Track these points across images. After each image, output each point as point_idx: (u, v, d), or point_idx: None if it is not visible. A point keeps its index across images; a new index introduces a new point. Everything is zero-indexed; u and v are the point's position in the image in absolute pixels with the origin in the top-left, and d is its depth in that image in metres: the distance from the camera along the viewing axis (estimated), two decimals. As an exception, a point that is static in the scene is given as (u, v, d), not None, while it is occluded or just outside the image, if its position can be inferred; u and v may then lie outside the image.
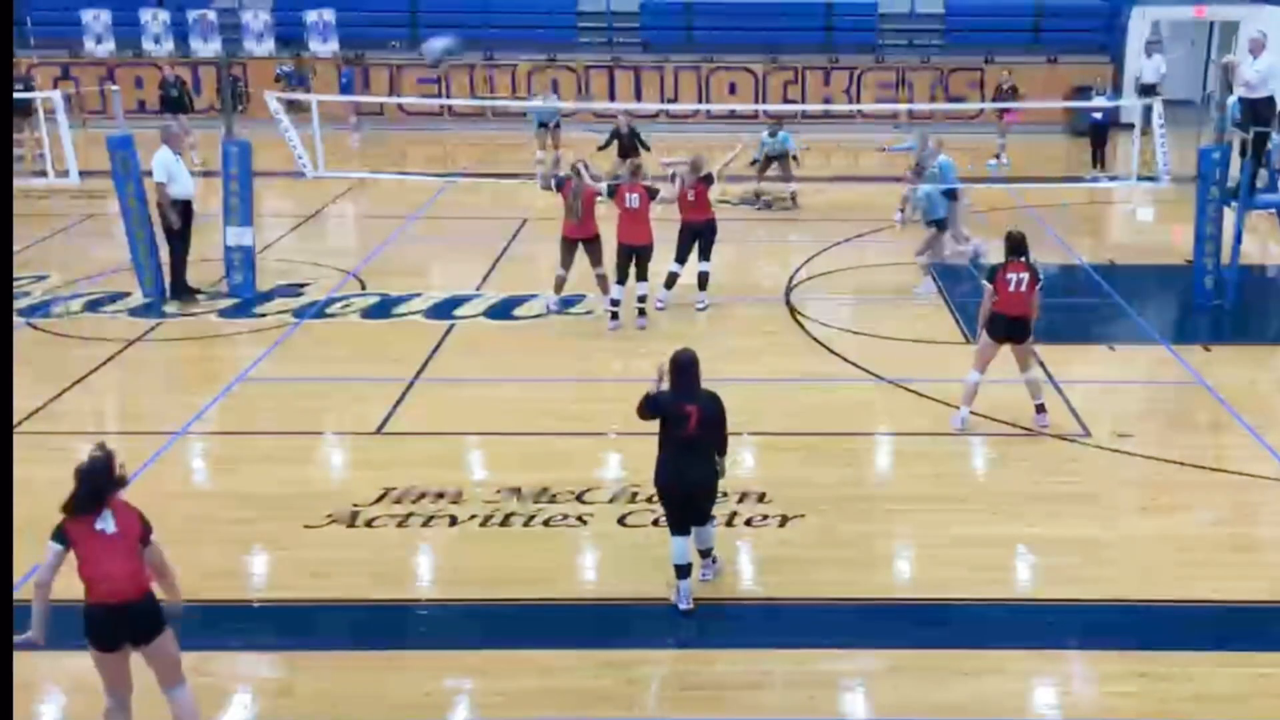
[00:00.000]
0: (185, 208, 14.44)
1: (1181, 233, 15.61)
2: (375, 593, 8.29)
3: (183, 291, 14.59)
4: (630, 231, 13.50)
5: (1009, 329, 10.75)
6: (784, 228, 18.80)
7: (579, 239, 13.70)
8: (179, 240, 14.49)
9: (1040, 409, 10.95)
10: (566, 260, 13.83)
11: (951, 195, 16.13)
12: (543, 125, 22.76)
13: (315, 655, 7.60)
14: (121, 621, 6.34)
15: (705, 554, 8.42)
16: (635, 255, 13.52)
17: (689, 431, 7.87)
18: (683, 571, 8.09)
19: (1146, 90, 22.73)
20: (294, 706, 7.15)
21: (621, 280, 13.62)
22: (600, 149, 19.66)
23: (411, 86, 28.76)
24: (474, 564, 8.68)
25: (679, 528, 8.07)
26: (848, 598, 8.26)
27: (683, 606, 8.08)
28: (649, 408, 7.95)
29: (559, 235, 13.88)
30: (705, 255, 14.26)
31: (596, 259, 13.76)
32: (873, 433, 11.12)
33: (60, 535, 6.37)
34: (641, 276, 13.61)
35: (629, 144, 19.62)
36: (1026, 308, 10.69)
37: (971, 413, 10.94)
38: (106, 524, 6.34)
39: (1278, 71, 14.71)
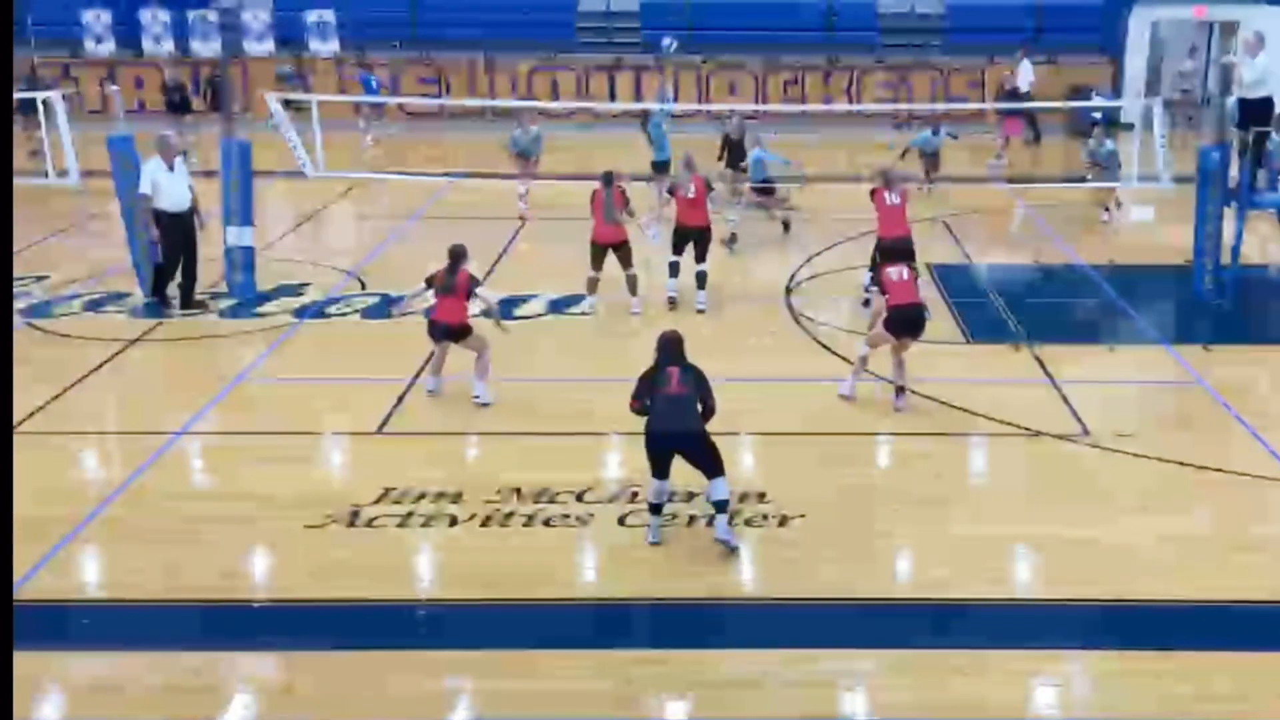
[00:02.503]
0: (175, 220, 14.04)
1: (1181, 233, 15.62)
2: (375, 593, 8.29)
3: (179, 308, 14.25)
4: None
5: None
6: (784, 228, 18.78)
7: (609, 244, 14.06)
8: (168, 252, 14.14)
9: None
10: (597, 264, 14.15)
11: (766, 190, 17.53)
12: (522, 156, 19.51)
13: (315, 655, 7.60)
14: None
15: (720, 508, 8.79)
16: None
17: (671, 388, 8.82)
18: (654, 509, 8.95)
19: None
20: (294, 706, 7.14)
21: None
22: (719, 159, 18.71)
23: (412, 86, 28.78)
24: (474, 564, 8.67)
25: (657, 472, 8.84)
26: (848, 598, 8.26)
27: (650, 540, 8.88)
28: (637, 386, 9.02)
29: (589, 239, 14.16)
30: (701, 258, 14.33)
31: (627, 261, 14.13)
32: (873, 433, 11.12)
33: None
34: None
35: (738, 150, 18.60)
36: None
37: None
38: None
39: (1275, 71, 14.71)
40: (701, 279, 14.33)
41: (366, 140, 25.22)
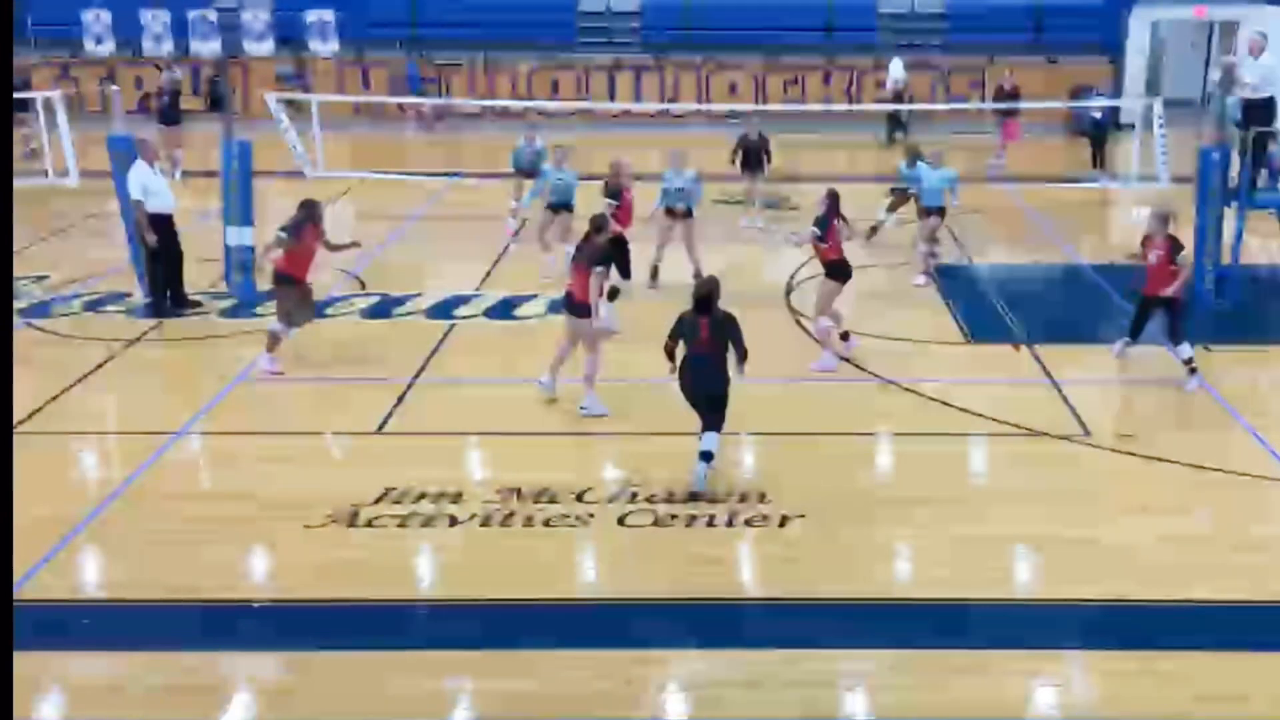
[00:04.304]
0: (167, 222, 14.03)
1: (1181, 233, 15.59)
2: (375, 593, 8.29)
3: (170, 307, 14.19)
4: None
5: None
6: (783, 228, 18.78)
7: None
8: (162, 256, 14.08)
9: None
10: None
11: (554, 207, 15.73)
12: (524, 174, 18.01)
13: (315, 655, 7.59)
14: None
15: (705, 457, 9.56)
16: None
17: (701, 341, 9.56)
18: (706, 456, 9.58)
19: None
20: (294, 706, 7.14)
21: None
22: (732, 162, 18.70)
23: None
24: (474, 564, 8.68)
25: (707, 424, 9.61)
26: (848, 598, 8.26)
27: (697, 488, 9.52)
28: (674, 328, 9.65)
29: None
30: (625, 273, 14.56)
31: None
32: (873, 433, 11.12)
33: None
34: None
35: (756, 154, 18.46)
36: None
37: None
38: None
39: (1277, 72, 14.72)
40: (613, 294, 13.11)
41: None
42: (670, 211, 15.39)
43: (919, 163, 16.43)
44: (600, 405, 11.14)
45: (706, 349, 9.56)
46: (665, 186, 15.40)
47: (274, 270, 12.36)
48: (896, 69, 26.90)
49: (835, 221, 12.45)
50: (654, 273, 15.30)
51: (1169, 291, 11.81)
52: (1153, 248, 12.00)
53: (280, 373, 12.10)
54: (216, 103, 16.07)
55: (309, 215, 12.31)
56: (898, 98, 26.49)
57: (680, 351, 9.75)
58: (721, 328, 9.54)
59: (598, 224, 11.47)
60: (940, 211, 15.80)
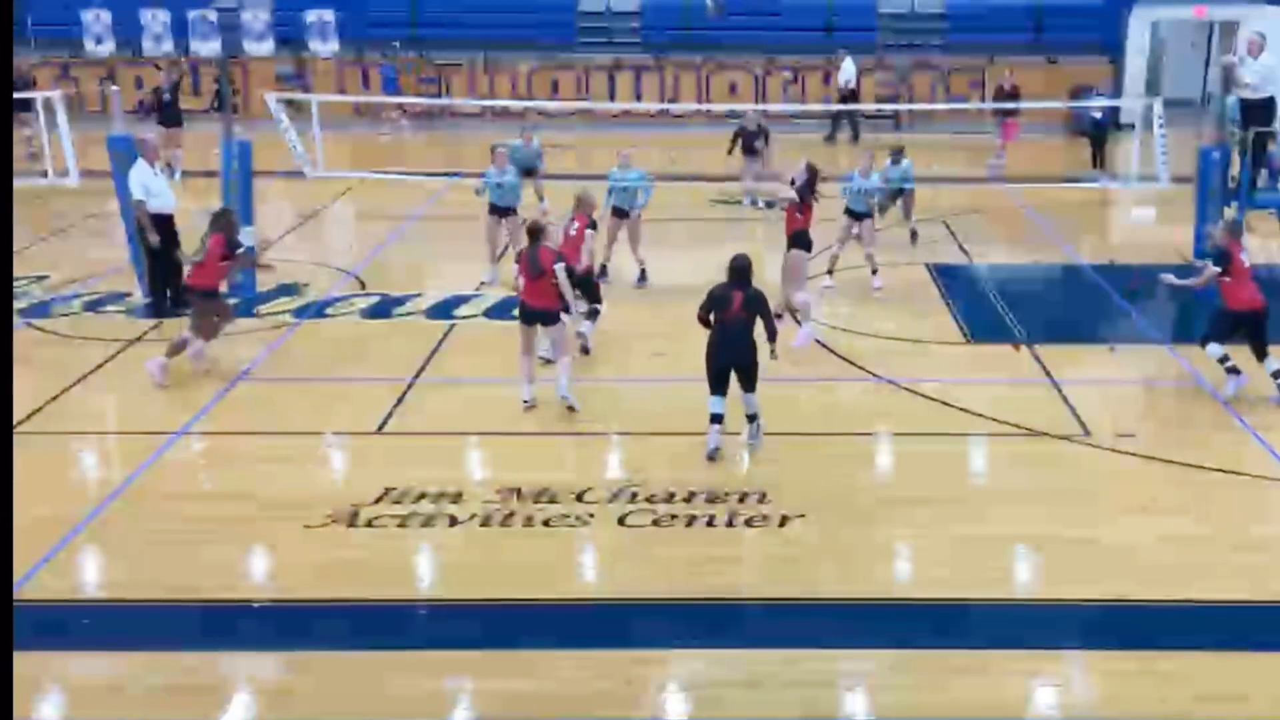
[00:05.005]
0: (167, 222, 14.00)
1: (1181, 233, 15.62)
2: (375, 593, 8.29)
3: (170, 306, 14.06)
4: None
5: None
6: (783, 228, 18.78)
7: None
8: (162, 256, 14.02)
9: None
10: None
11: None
12: (523, 173, 17.37)
13: (315, 655, 7.60)
14: None
15: (751, 419, 10.31)
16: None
17: (733, 312, 10.08)
18: (715, 419, 10.15)
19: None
20: (294, 706, 7.14)
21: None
22: (730, 151, 19.85)
23: (412, 86, 28.79)
24: (474, 564, 8.68)
25: (716, 389, 10.19)
26: (848, 598, 8.26)
27: (711, 446, 10.09)
28: (706, 299, 10.19)
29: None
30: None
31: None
32: (873, 433, 11.12)
33: None
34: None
35: (751, 142, 19.55)
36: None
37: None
38: None
39: (1277, 72, 14.72)
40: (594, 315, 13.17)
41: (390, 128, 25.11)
42: (617, 211, 15.39)
43: (902, 160, 17.09)
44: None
45: (737, 321, 10.09)
46: (611, 185, 15.46)
47: (187, 284, 12.47)
48: (849, 68, 26.91)
49: (814, 193, 12.91)
50: (603, 270, 15.08)
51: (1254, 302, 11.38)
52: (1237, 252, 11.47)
53: (165, 385, 11.79)
54: (225, 101, 16.02)
55: (217, 227, 12.21)
56: (849, 97, 26.59)
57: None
58: (754, 302, 10.12)
59: (535, 229, 11.42)
60: (869, 215, 15.47)
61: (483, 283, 15.27)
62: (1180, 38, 30.04)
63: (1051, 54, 28.36)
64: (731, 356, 10.15)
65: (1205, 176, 14.43)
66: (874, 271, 15.15)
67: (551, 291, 11.15)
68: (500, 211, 15.62)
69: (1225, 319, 11.58)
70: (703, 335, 10.35)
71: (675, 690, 7.26)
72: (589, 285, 12.78)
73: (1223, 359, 11.56)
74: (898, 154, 17.30)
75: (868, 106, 26.94)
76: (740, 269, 10.19)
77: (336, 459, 10.73)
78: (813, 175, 13.12)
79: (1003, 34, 28.77)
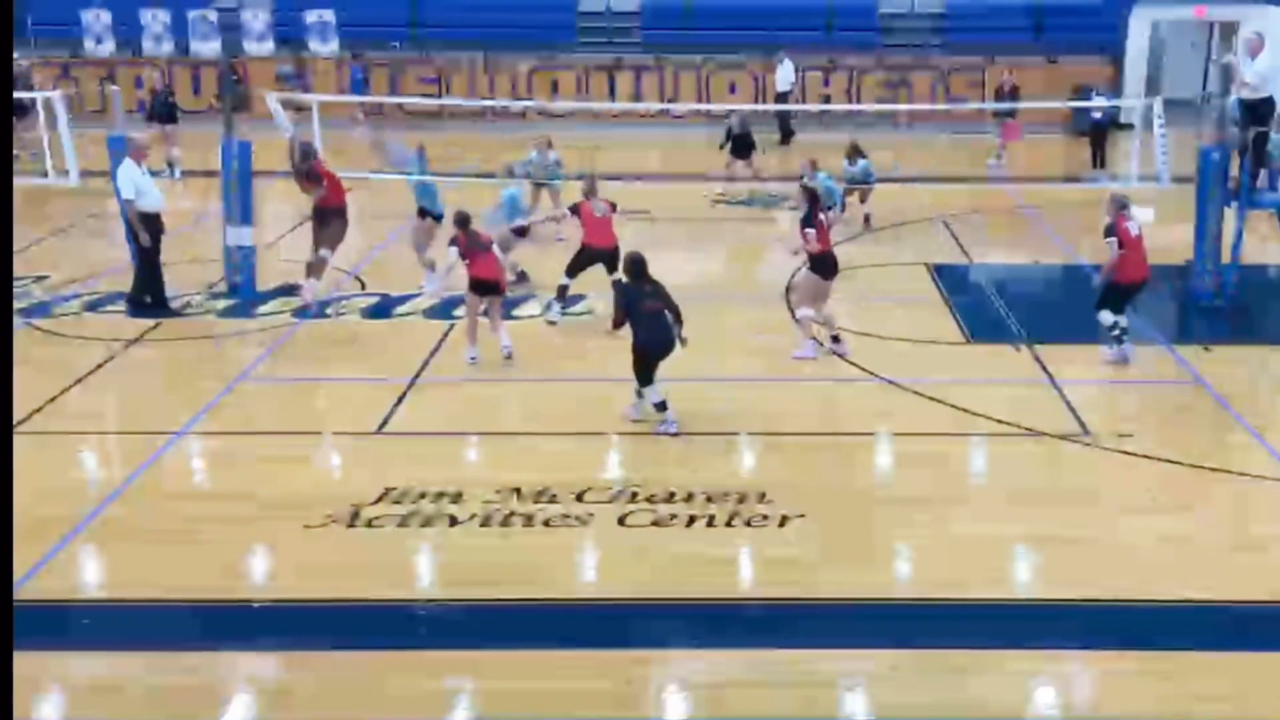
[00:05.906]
0: (154, 221, 13.97)
1: (1181, 232, 15.60)
2: (375, 593, 8.29)
3: (147, 306, 14.06)
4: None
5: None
6: (782, 227, 18.79)
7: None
8: (150, 255, 14.01)
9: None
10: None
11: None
12: (538, 187, 17.78)
13: (315, 655, 7.60)
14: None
15: (661, 407, 10.65)
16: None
17: (650, 305, 10.57)
18: (663, 406, 10.64)
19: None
20: (294, 706, 7.14)
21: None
22: (721, 147, 20.93)
23: (411, 86, 28.77)
24: (474, 564, 8.67)
25: (649, 379, 10.68)
26: (848, 598, 8.26)
27: (673, 431, 10.55)
28: (620, 305, 10.83)
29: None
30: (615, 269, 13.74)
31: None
32: (873, 433, 11.12)
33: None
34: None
35: (740, 141, 20.47)
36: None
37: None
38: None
39: (1277, 72, 14.70)
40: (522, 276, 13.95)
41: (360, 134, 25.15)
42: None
43: (860, 160, 17.90)
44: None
45: (659, 312, 10.62)
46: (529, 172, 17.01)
47: None
48: (786, 70, 26.90)
49: (819, 216, 12.63)
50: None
51: None
52: None
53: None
54: (239, 101, 15.94)
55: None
56: (784, 98, 26.71)
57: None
58: (660, 290, 10.68)
59: (462, 219, 12.55)
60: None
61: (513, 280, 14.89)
62: (1180, 38, 30.03)
63: (1051, 54, 28.32)
64: (667, 345, 10.67)
65: (1205, 176, 14.41)
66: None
67: (497, 264, 12.56)
68: (425, 214, 15.50)
69: (1117, 288, 12.30)
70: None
71: (675, 690, 7.26)
72: (613, 259, 13.41)
73: (1112, 326, 12.24)
74: (854, 153, 18.16)
75: (812, 107, 27.40)
76: (639, 262, 10.71)
77: (336, 459, 10.72)
78: (811, 200, 12.81)
79: (1003, 34, 28.73)
